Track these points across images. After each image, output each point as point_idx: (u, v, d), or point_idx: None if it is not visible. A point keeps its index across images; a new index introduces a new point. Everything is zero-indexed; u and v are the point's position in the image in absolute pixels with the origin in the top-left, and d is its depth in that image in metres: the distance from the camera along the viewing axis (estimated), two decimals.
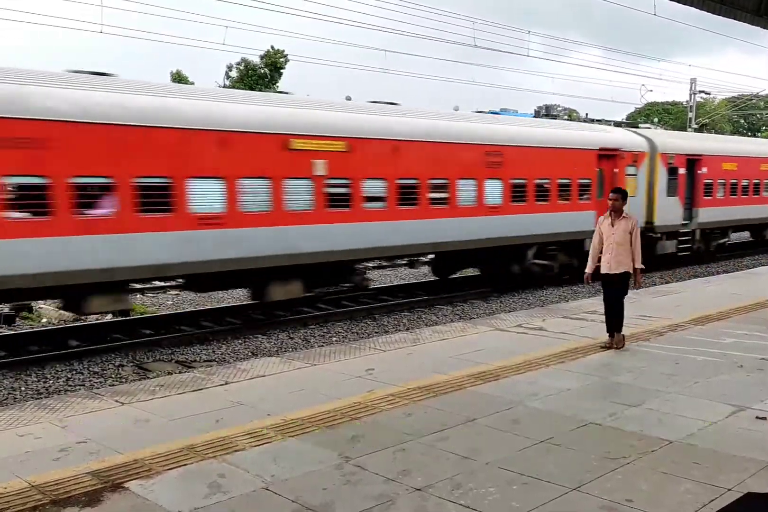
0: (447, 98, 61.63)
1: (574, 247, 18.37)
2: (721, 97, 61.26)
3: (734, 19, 12.47)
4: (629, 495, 4.56)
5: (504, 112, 20.67)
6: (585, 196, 18.74)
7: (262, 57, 39.65)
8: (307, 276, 13.63)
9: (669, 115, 67.56)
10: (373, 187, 14.16)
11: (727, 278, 16.34)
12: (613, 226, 8.58)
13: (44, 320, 14.30)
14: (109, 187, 11.00)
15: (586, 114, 27.01)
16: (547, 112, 22.55)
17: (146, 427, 5.95)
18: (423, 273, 20.33)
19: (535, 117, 21.95)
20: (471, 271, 19.52)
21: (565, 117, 24.69)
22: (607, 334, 8.81)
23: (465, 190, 15.81)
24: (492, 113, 20.13)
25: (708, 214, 23.20)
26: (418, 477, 4.88)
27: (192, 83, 38.33)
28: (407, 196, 14.72)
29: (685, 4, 11.46)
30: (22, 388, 9.81)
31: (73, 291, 11.04)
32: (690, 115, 41.38)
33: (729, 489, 4.63)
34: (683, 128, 41.35)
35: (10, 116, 10.08)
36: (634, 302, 12.15)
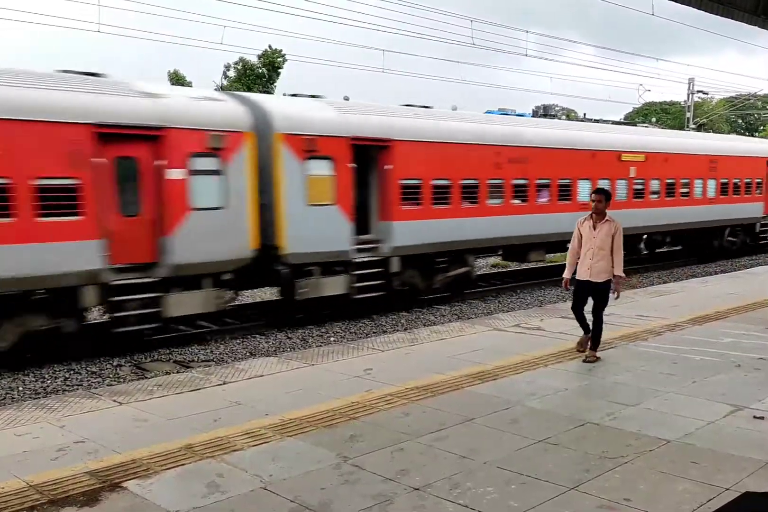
0: (445, 98, 61.70)
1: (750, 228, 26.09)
2: (719, 97, 61.34)
3: (732, 19, 12.48)
4: (627, 495, 4.56)
5: (503, 112, 20.65)
6: (757, 192, 25.96)
7: (260, 56, 39.56)
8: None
9: (667, 115, 67.62)
10: (657, 184, 21.59)
11: (724, 278, 16.36)
12: (594, 229, 7.99)
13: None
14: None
15: (584, 114, 27.04)
16: (545, 112, 22.59)
17: (144, 427, 5.95)
18: None
19: (533, 117, 21.96)
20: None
21: (563, 117, 24.74)
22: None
23: (697, 186, 23.19)
24: (489, 113, 20.09)
25: None
26: (417, 476, 4.88)
27: (190, 83, 38.28)
28: (670, 189, 22.09)
29: (683, 3, 11.46)
30: (20, 388, 9.80)
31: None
32: (688, 114, 41.41)
33: (727, 489, 4.64)
34: (681, 128, 41.39)
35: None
36: (631, 302, 12.19)
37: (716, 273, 20.48)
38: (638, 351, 8.56)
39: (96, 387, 9.37)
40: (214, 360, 11.33)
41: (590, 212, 8.12)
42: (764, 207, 26.22)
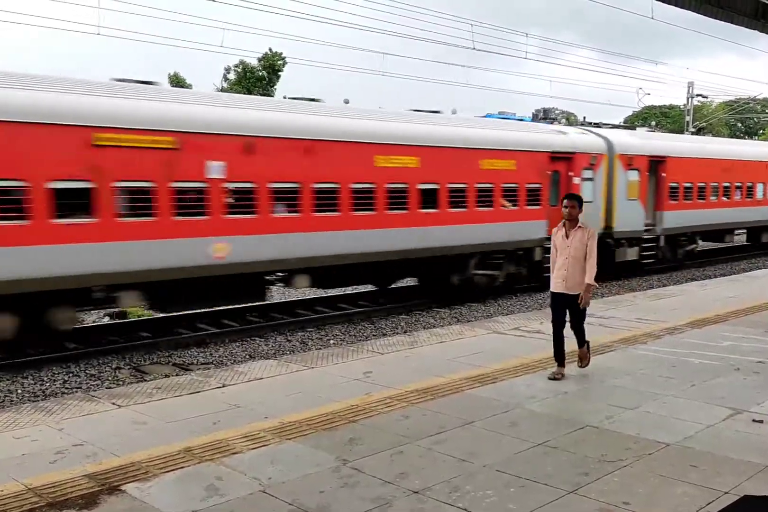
0: (444, 101, 61.79)
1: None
2: (719, 101, 61.41)
3: (732, 23, 12.51)
4: (626, 498, 4.56)
5: (502, 116, 20.68)
6: None
7: (260, 59, 39.64)
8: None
9: (667, 119, 67.69)
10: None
11: (724, 281, 16.35)
12: (567, 237, 7.46)
13: None
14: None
15: (584, 117, 27.07)
16: (545, 116, 22.60)
17: (143, 430, 5.95)
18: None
19: (533, 120, 21.99)
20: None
21: (563, 120, 24.77)
22: (556, 363, 7.59)
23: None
24: (489, 116, 20.15)
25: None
26: (416, 479, 4.88)
27: (190, 85, 38.32)
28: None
29: (682, 7, 11.48)
30: (19, 390, 9.78)
31: None
32: (687, 118, 41.47)
33: (726, 492, 4.64)
34: (681, 131, 41.44)
35: None
36: (631, 305, 12.19)
37: (716, 276, 20.48)
38: (637, 355, 8.56)
39: (95, 390, 9.36)
40: (214, 362, 11.32)
41: (563, 219, 7.57)
42: None
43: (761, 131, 74.33)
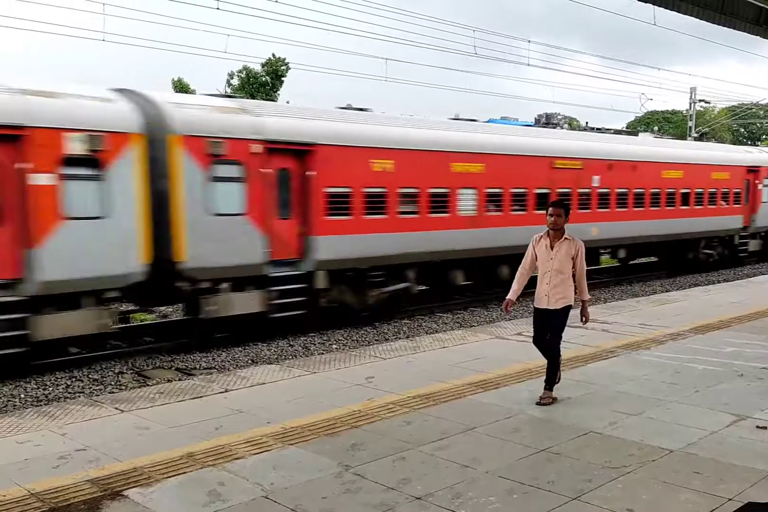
0: (446, 106, 61.85)
1: None
2: (721, 106, 61.42)
3: (734, 28, 12.53)
4: (630, 505, 4.55)
5: (505, 121, 20.71)
6: None
7: (263, 65, 39.75)
8: None
9: (669, 124, 67.72)
10: None
11: (727, 287, 16.34)
12: (552, 248, 6.75)
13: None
14: None
15: (586, 122, 27.09)
16: (547, 121, 22.63)
17: (146, 435, 5.94)
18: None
19: (535, 125, 22.00)
20: None
21: (566, 125, 24.82)
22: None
23: None
24: (491, 122, 20.17)
25: None
26: (418, 485, 4.87)
27: (194, 91, 38.42)
28: None
29: (685, 13, 11.51)
30: (22, 395, 9.79)
31: None
32: (690, 123, 41.49)
33: (730, 499, 4.62)
34: (683, 137, 41.44)
35: None
36: (634, 310, 12.18)
37: (719, 282, 20.45)
38: (641, 360, 8.55)
39: (98, 395, 9.37)
40: (216, 367, 11.32)
41: (547, 228, 6.83)
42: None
43: (764, 136, 74.32)
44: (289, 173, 12.95)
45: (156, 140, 11.33)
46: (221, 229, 11.97)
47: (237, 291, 12.31)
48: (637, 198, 20.51)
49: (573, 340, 9.63)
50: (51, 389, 10.12)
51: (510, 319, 14.40)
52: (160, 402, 6.89)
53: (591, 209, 19.05)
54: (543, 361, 8.35)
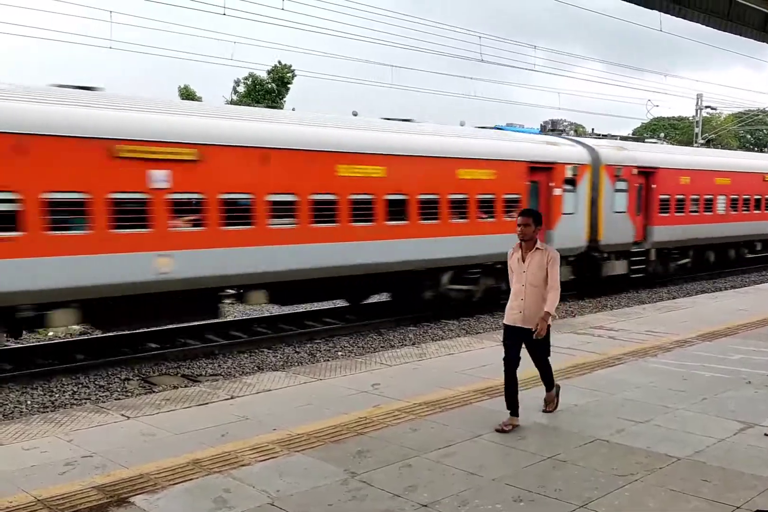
0: (452, 112, 61.99)
1: None
2: (728, 112, 61.31)
3: (740, 35, 12.52)
4: None
5: (510, 128, 20.67)
6: None
7: (269, 72, 39.93)
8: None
9: (675, 130, 67.63)
10: None
11: (734, 293, 16.27)
12: (524, 260, 6.25)
13: (50, 333, 14.33)
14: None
15: (592, 129, 27.07)
16: (553, 127, 22.63)
17: (152, 441, 5.95)
18: None
19: (541, 132, 21.98)
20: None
21: (572, 132, 24.82)
22: (508, 412, 6.34)
23: None
24: (497, 128, 20.14)
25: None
26: (425, 493, 4.86)
27: (200, 98, 38.61)
28: None
29: (691, 20, 11.51)
30: (28, 402, 9.81)
31: None
32: (696, 130, 41.45)
33: (737, 507, 4.60)
34: (690, 143, 41.40)
35: None
36: (640, 317, 12.14)
37: (726, 288, 20.38)
38: (647, 367, 8.52)
39: (104, 401, 9.38)
40: (222, 374, 11.33)
41: (518, 240, 6.34)
42: None
43: None
44: (643, 186, 20.55)
45: (594, 168, 18.88)
46: (617, 221, 19.62)
47: (617, 260, 19.86)
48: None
49: (579, 347, 9.62)
50: (57, 395, 10.14)
51: None
52: (166, 409, 6.89)
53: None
54: (554, 367, 8.32)
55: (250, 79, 40.92)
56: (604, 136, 22.87)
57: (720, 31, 12.19)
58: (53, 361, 11.63)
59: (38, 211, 10.15)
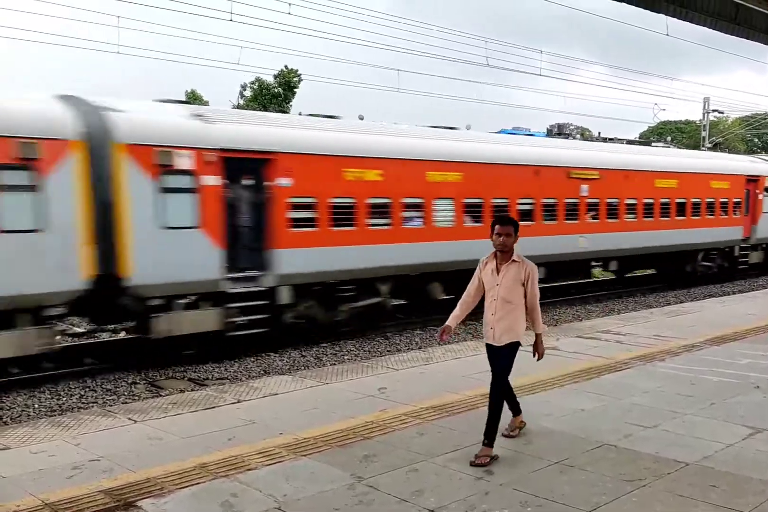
0: (458, 116, 62.00)
1: None
2: (735, 116, 61.17)
3: (747, 38, 12.49)
4: None
5: (517, 131, 20.66)
6: None
7: (276, 76, 40.03)
8: None
9: (682, 134, 67.49)
10: None
11: (742, 298, 16.21)
12: (498, 273, 5.68)
13: (57, 337, 14.35)
14: None
15: (599, 133, 27.02)
16: (559, 131, 22.57)
17: (159, 445, 5.96)
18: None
19: (547, 136, 21.93)
20: None
21: (578, 136, 24.77)
22: (511, 417, 6.11)
23: None
24: (503, 132, 20.14)
25: None
26: (431, 497, 4.85)
27: (207, 103, 38.72)
28: None
29: (698, 23, 11.49)
30: (36, 405, 9.83)
31: None
32: (703, 133, 41.35)
33: None
34: (696, 147, 41.31)
35: None
36: (648, 322, 12.09)
37: (734, 293, 20.30)
38: (655, 372, 8.48)
39: (111, 405, 9.39)
40: (229, 378, 11.33)
41: (494, 250, 5.76)
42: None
43: None
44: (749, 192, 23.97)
45: None
46: None
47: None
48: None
49: (586, 352, 9.59)
50: (65, 399, 10.16)
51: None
52: (173, 413, 6.90)
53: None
54: (556, 373, 8.33)
55: (257, 84, 41.02)
56: (611, 140, 22.77)
57: (725, 35, 12.16)
58: (60, 365, 11.64)
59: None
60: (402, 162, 14.32)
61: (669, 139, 40.10)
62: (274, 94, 40.44)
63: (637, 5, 10.17)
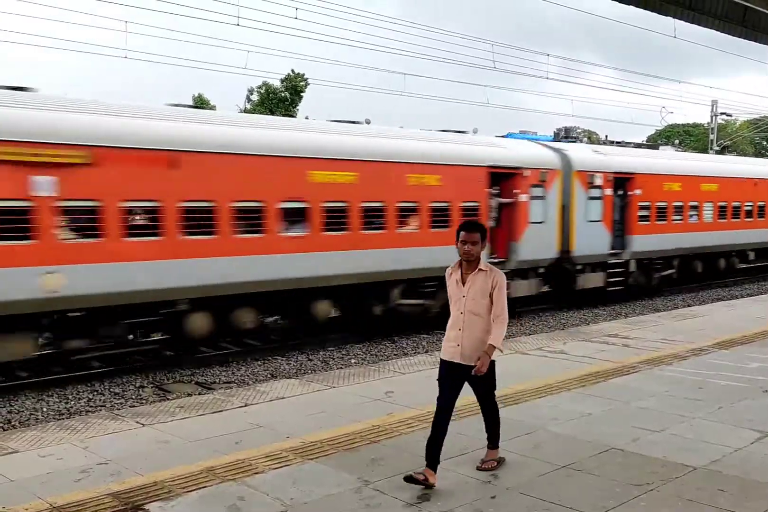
0: (465, 120, 62.03)
1: None
2: (743, 119, 60.94)
3: (756, 41, 12.46)
4: None
5: (523, 135, 20.64)
6: None
7: (282, 80, 40.16)
8: None
9: (690, 137, 67.30)
10: None
11: (751, 301, 16.14)
12: (464, 284, 5.21)
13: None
14: None
15: (606, 136, 26.98)
16: (566, 135, 22.53)
17: (166, 449, 5.97)
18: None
19: (554, 139, 21.90)
20: None
21: (585, 139, 24.75)
22: (425, 463, 5.15)
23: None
24: (510, 136, 20.12)
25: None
26: (438, 501, 4.84)
27: (214, 107, 38.87)
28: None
29: (705, 26, 11.47)
30: (44, 409, 9.87)
31: None
32: (711, 136, 41.23)
33: None
34: (705, 150, 41.19)
35: None
36: (656, 325, 12.05)
37: (742, 296, 20.21)
38: (663, 376, 8.45)
39: (119, 409, 9.42)
40: (236, 381, 11.35)
41: (459, 259, 5.29)
42: None
43: None
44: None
45: None
46: None
47: None
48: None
49: (594, 355, 9.56)
50: (73, 403, 10.20)
51: (530, 334, 14.33)
52: (181, 416, 6.92)
53: None
54: (563, 377, 8.31)
55: (264, 88, 41.16)
56: (618, 143, 22.71)
57: (732, 37, 12.14)
58: (69, 368, 11.68)
59: None
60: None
61: (677, 142, 39.97)
62: (281, 99, 40.57)
63: (645, 8, 10.17)
